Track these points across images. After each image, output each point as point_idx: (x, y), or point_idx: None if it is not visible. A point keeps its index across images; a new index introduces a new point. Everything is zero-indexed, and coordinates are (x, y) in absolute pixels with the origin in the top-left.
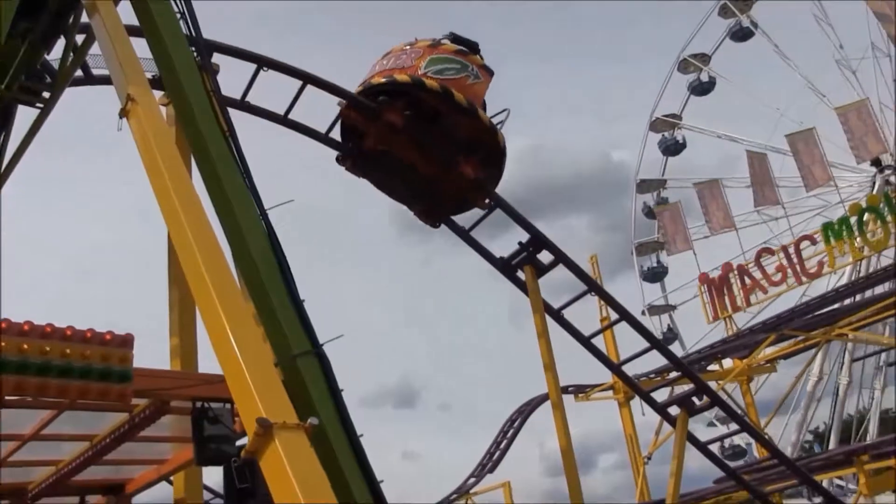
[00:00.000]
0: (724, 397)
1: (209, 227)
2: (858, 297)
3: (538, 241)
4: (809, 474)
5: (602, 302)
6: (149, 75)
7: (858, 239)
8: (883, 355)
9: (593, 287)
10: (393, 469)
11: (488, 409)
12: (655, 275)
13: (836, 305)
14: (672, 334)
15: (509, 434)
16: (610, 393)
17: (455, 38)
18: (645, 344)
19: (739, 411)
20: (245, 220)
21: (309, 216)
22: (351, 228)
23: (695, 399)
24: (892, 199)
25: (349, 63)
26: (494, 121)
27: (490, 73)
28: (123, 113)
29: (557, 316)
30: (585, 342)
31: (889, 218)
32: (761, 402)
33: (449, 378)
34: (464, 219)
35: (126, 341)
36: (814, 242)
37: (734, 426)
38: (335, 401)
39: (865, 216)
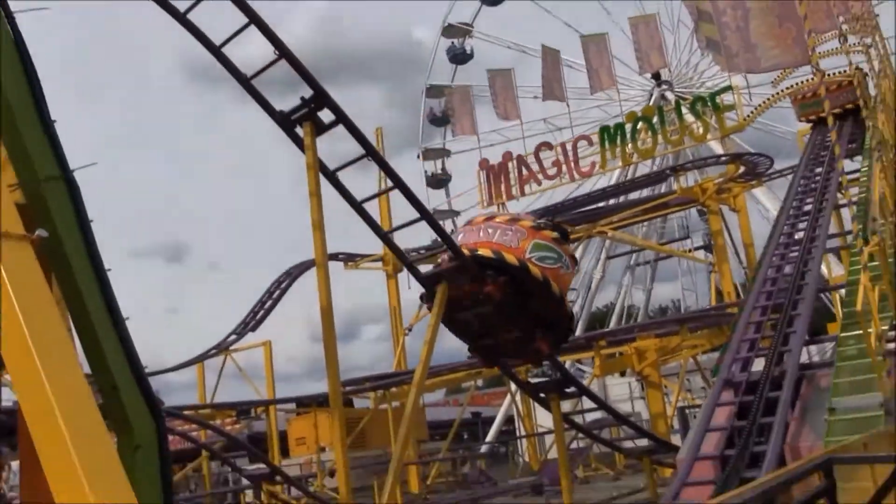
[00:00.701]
0: None
1: None
2: (622, 199)
3: (320, 97)
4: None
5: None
6: None
7: (630, 145)
8: (634, 256)
9: (371, 152)
10: (157, 322)
11: (259, 271)
12: (440, 181)
13: (601, 204)
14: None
15: (275, 295)
16: (380, 264)
17: (555, 226)
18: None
19: None
20: None
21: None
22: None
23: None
24: (665, 113)
25: None
26: None
27: (576, 263)
28: None
29: (332, 176)
30: (357, 206)
31: (659, 129)
32: None
33: (222, 237)
34: (246, 66)
35: None
36: (590, 143)
37: None
38: (83, 231)
39: (639, 125)
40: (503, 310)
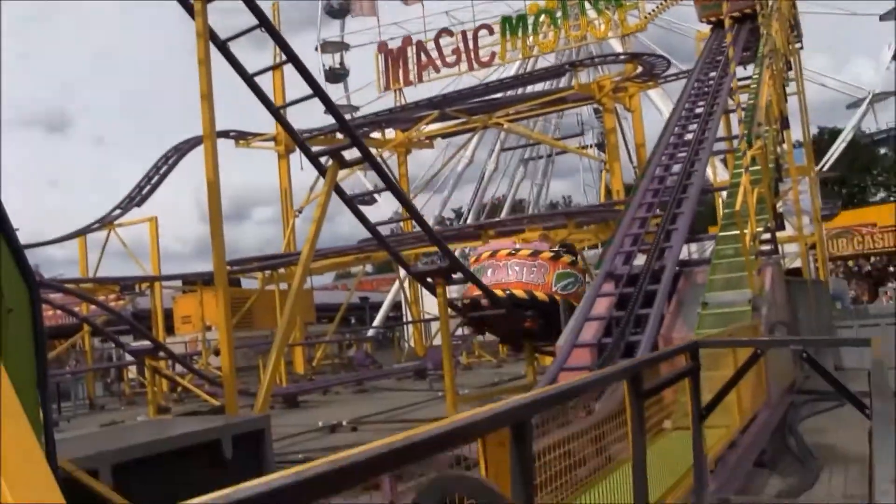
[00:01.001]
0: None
1: None
2: (520, 91)
3: None
4: (443, 241)
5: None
6: None
7: (531, 38)
8: (528, 150)
9: (264, 22)
10: (37, 195)
11: (149, 150)
12: (338, 75)
13: (499, 95)
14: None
15: (162, 170)
16: (272, 144)
17: (568, 250)
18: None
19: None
20: None
21: None
22: None
23: (347, 154)
24: (568, 7)
25: None
26: None
27: (588, 272)
28: None
29: (223, 47)
30: (249, 79)
31: (561, 24)
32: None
33: (110, 110)
34: None
35: None
36: (492, 33)
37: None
38: None
39: (542, 17)
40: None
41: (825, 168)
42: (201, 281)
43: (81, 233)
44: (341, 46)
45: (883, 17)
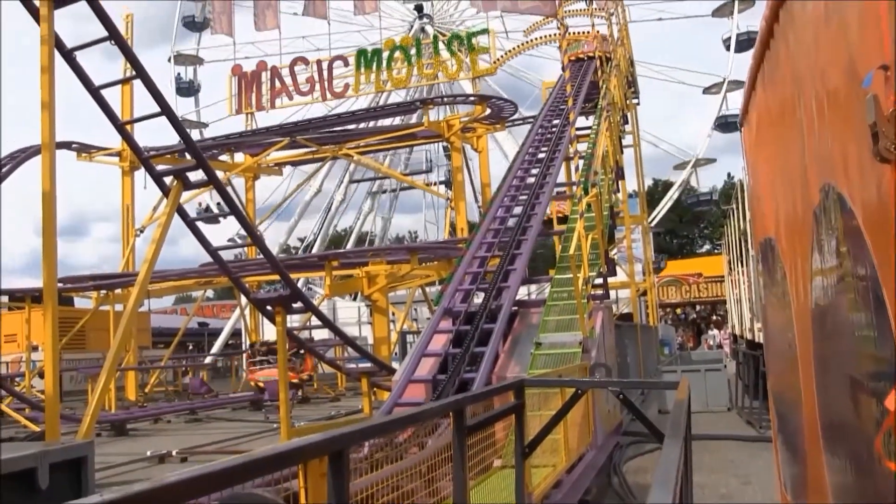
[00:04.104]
0: (228, 188)
1: None
2: (371, 125)
3: None
4: (285, 270)
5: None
6: None
7: (385, 72)
8: (376, 183)
9: (114, 35)
10: None
11: None
12: (189, 90)
13: (350, 127)
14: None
15: None
16: (116, 159)
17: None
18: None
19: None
20: None
21: None
22: None
23: (193, 175)
24: (422, 45)
25: None
26: None
27: None
28: None
29: (68, 55)
30: (94, 91)
31: (415, 61)
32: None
33: None
34: None
35: None
36: (346, 65)
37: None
38: None
39: (396, 53)
40: None
41: (658, 218)
42: (29, 297)
43: None
44: (196, 60)
45: (705, 91)
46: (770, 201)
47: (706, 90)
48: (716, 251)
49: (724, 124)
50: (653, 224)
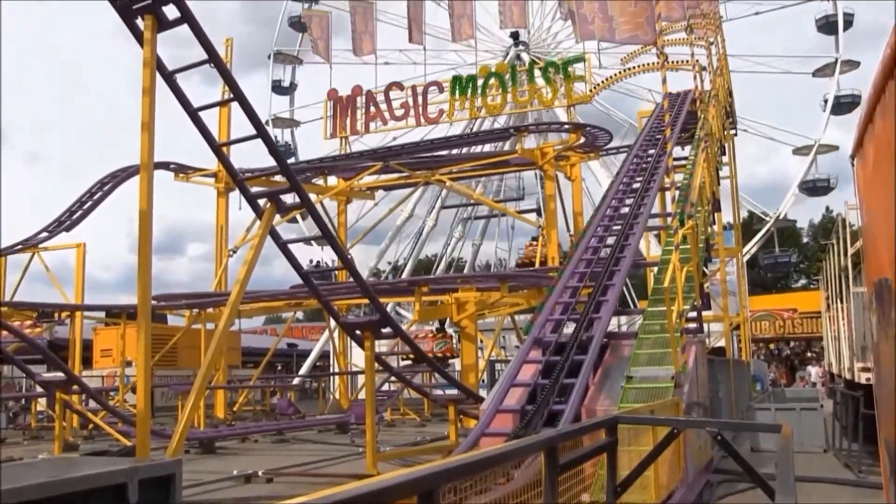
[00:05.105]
0: (321, 210)
1: None
2: (464, 151)
3: None
4: (375, 294)
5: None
6: None
7: (479, 99)
8: (468, 210)
9: (213, 57)
10: None
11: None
12: (285, 89)
13: (443, 153)
14: (289, 149)
15: (96, 196)
16: (212, 180)
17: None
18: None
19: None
20: None
21: None
22: None
23: (286, 198)
24: (517, 72)
25: None
26: None
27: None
28: None
29: (169, 77)
30: (192, 113)
31: (509, 88)
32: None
33: (49, 127)
34: None
35: None
36: (441, 90)
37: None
38: None
39: (491, 80)
40: None
41: (753, 251)
42: (125, 313)
43: (1, 253)
44: (294, 60)
45: (795, 152)
46: (886, 240)
47: (796, 151)
48: (812, 286)
49: (812, 188)
50: (747, 257)
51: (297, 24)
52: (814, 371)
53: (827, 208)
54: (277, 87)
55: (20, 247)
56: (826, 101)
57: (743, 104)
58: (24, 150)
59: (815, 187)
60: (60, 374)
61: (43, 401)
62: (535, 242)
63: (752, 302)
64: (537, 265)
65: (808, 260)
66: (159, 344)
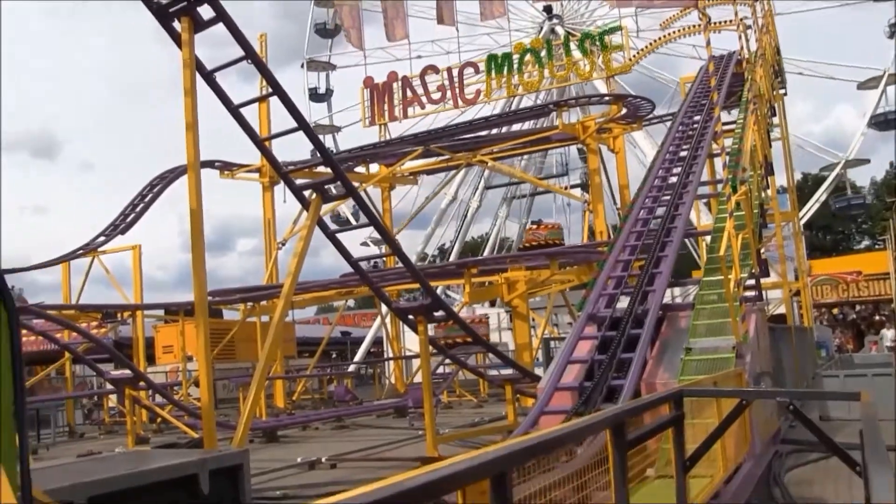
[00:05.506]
0: (364, 198)
1: None
2: (504, 130)
3: None
4: (425, 278)
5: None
6: None
7: (516, 77)
8: (512, 188)
9: (250, 54)
10: (20, 221)
11: (136, 175)
12: (321, 96)
13: (482, 133)
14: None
15: (147, 198)
16: (256, 175)
17: None
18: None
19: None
20: None
21: None
22: None
23: (332, 188)
24: (553, 47)
25: None
26: None
27: None
28: None
29: (209, 76)
30: (234, 110)
31: (546, 63)
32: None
33: (100, 135)
34: None
35: None
36: (477, 71)
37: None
38: None
39: (526, 56)
40: None
41: (809, 214)
42: (183, 311)
43: (65, 259)
44: (327, 66)
45: (860, 87)
46: None
47: (862, 85)
48: (877, 247)
49: (883, 122)
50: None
51: (324, 31)
52: (889, 333)
53: (891, 164)
54: (314, 95)
55: (81, 252)
56: (892, 25)
57: (794, 47)
58: (79, 160)
59: (886, 120)
60: (128, 372)
61: (113, 397)
62: (535, 227)
63: (813, 266)
64: (584, 240)
65: (872, 220)
66: (217, 338)
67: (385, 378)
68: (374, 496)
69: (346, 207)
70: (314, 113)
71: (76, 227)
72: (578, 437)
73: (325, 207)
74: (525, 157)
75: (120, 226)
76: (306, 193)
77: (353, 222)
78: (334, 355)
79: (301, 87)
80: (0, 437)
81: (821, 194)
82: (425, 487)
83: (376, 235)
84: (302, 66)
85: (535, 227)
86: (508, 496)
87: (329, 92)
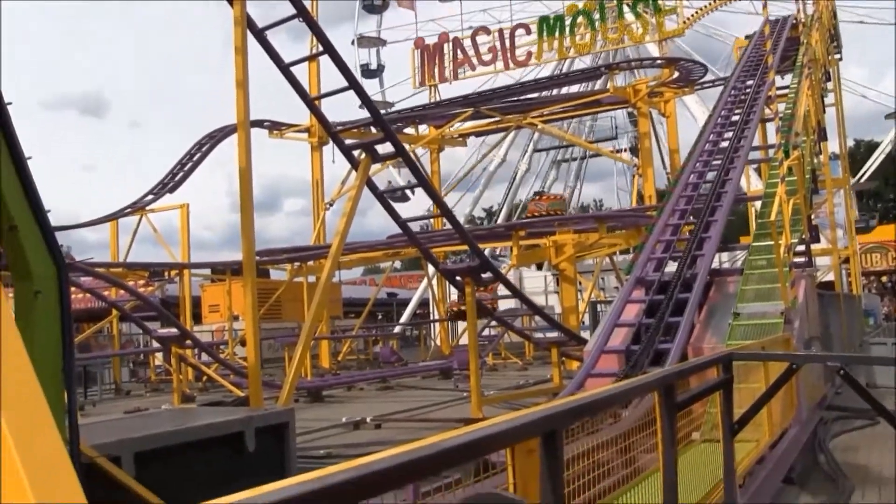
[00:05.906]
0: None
1: None
2: (554, 92)
3: None
4: (473, 240)
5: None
6: None
7: (567, 39)
8: (561, 151)
9: (302, 12)
10: (70, 179)
11: (184, 135)
12: (372, 72)
13: (533, 95)
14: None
15: (195, 157)
16: (305, 135)
17: None
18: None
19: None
20: None
21: None
22: None
23: (380, 148)
24: (606, 9)
25: None
26: None
27: None
28: None
29: (259, 34)
30: (285, 68)
31: (598, 26)
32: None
33: (147, 95)
34: None
35: None
36: (528, 32)
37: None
38: None
39: (579, 19)
40: None
41: (861, 181)
42: (230, 270)
43: (113, 217)
44: (377, 42)
45: None
46: None
47: None
48: None
49: None
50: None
51: (371, 7)
52: None
53: None
54: (366, 72)
55: (129, 210)
56: None
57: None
58: (127, 119)
59: None
60: (174, 330)
61: (160, 355)
62: (538, 197)
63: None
64: (633, 204)
65: None
66: (263, 298)
67: (430, 340)
68: (426, 451)
69: (399, 177)
70: (366, 90)
71: (124, 186)
72: (628, 398)
73: (375, 167)
74: (575, 120)
75: (168, 184)
76: (355, 153)
77: (411, 196)
78: (380, 316)
79: (351, 63)
80: (48, 392)
81: (881, 150)
82: (477, 443)
83: (432, 208)
84: (353, 42)
85: (537, 197)
86: (560, 454)
87: (381, 68)
